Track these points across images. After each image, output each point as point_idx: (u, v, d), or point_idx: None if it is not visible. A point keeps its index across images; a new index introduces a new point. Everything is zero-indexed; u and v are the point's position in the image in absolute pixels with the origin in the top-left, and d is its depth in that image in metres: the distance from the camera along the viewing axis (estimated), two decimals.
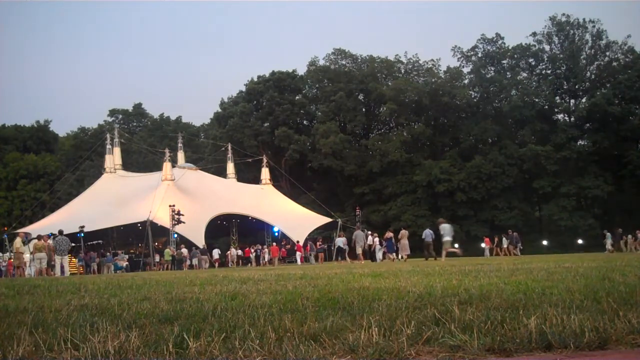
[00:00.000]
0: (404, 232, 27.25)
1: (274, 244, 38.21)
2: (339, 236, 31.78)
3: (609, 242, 33.20)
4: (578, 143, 54.20)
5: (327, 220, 43.70)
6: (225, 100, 65.29)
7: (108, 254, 35.44)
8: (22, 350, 2.48)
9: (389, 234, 28.59)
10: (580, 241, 48.07)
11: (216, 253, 37.45)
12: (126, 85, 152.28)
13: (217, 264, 35.90)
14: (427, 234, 25.65)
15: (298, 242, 37.69)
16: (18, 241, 22.02)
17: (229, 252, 39.52)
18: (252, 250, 38.60)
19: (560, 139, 51.86)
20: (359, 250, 27.14)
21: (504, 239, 34.82)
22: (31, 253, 23.16)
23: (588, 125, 55.42)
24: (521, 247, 33.68)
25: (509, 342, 2.37)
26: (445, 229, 22.95)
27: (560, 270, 7.56)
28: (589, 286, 4.52)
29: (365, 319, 2.84)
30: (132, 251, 41.38)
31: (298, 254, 36.31)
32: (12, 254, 29.96)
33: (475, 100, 58.24)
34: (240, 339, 2.54)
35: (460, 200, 51.99)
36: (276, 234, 42.69)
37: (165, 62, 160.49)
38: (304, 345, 2.40)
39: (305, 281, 6.96)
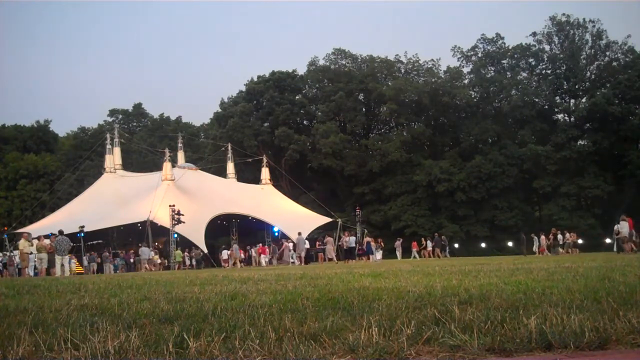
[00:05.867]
0: (329, 239, 32.88)
1: (260, 244, 38.37)
2: (347, 235, 33.26)
3: (535, 245, 34.19)
4: (578, 143, 54.13)
5: (327, 220, 43.62)
6: (225, 100, 65.25)
7: (107, 253, 35.45)
8: (22, 350, 2.48)
9: (367, 239, 33.21)
10: (580, 241, 47.97)
11: (225, 254, 37.51)
12: (126, 85, 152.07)
13: (226, 265, 35.95)
14: (351, 240, 31.50)
15: (260, 244, 38.22)
16: (23, 242, 22.08)
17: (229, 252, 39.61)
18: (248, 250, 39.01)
19: (560, 139, 51.86)
20: (301, 254, 30.29)
21: (428, 242, 36.82)
22: (31, 253, 23.21)
23: (588, 125, 55.38)
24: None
25: (509, 342, 2.37)
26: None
27: (560, 270, 7.57)
28: (589, 286, 4.52)
29: (365, 319, 2.84)
30: (132, 251, 41.29)
31: (263, 257, 36.21)
32: (12, 254, 29.97)
33: (475, 100, 58.18)
34: (240, 339, 2.54)
35: (460, 200, 51.97)
36: (276, 234, 42.60)
37: (165, 62, 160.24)
38: (304, 345, 2.40)
39: (305, 281, 6.96)
